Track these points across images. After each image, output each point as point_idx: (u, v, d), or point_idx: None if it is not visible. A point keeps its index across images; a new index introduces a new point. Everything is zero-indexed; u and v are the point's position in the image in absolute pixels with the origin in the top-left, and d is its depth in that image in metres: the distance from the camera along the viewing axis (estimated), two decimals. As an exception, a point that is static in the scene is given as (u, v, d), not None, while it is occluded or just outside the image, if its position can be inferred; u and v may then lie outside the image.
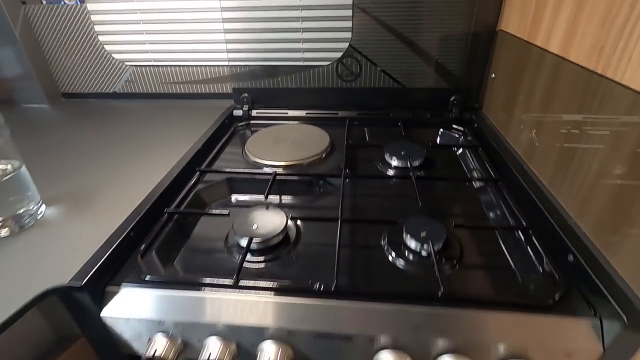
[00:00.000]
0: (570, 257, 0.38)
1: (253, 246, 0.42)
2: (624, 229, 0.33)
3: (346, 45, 0.73)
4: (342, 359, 0.36)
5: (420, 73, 0.73)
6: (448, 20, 0.68)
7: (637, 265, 0.32)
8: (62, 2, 0.75)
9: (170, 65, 0.80)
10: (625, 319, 0.31)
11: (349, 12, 0.70)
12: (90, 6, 0.75)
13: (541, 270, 0.39)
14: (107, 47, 0.80)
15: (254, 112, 0.77)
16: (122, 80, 0.83)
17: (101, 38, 0.79)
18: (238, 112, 0.76)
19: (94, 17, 0.76)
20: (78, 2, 0.74)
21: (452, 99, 0.72)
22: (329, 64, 0.74)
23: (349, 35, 0.72)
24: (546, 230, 0.42)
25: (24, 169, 0.43)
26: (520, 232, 0.44)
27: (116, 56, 0.80)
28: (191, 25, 0.74)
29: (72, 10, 0.76)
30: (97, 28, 0.77)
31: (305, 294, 0.37)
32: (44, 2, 0.75)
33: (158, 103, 0.83)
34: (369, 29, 0.70)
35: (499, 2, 0.65)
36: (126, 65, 0.81)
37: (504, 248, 0.44)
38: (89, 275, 0.36)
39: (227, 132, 0.72)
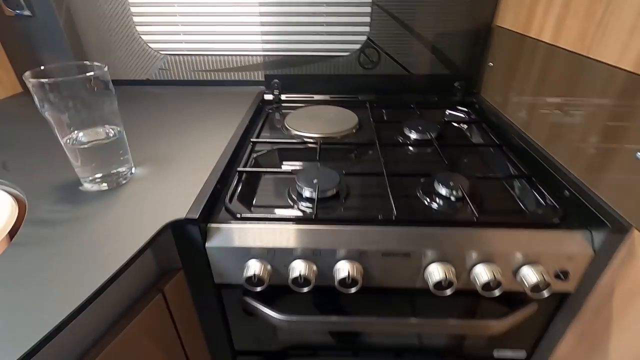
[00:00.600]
0: (566, 192, 0.50)
1: (318, 195, 0.52)
2: (602, 170, 0.46)
3: (365, 38, 0.83)
4: (400, 272, 0.47)
5: (428, 63, 0.85)
6: (452, 18, 0.80)
7: (612, 191, 0.44)
8: (104, -5, 0.81)
9: (203, 55, 0.88)
10: (610, 226, 0.43)
11: (368, 9, 0.81)
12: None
13: (544, 204, 0.51)
14: (143, 37, 0.86)
15: (283, 97, 0.86)
16: (155, 68, 0.90)
17: (139, 29, 0.85)
18: (269, 96, 0.85)
19: (133, 9, 0.83)
20: (120, -5, 0.81)
21: (456, 84, 0.85)
22: (350, 54, 0.84)
23: (367, 29, 0.83)
24: (545, 176, 0.54)
25: (123, 134, 0.51)
26: (525, 180, 0.55)
27: (152, 45, 0.87)
28: (227, 18, 0.82)
29: (113, 3, 0.82)
30: (135, 19, 0.84)
31: (372, 223, 0.47)
32: (86, -5, 0.81)
33: (190, 89, 0.90)
34: (385, 24, 0.81)
35: (494, 3, 0.77)
36: (161, 54, 0.88)
37: (513, 193, 0.56)
38: (200, 211, 0.44)
39: (261, 112, 0.81)
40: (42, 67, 0.44)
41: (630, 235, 0.42)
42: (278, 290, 0.51)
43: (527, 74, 0.64)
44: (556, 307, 0.51)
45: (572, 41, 0.53)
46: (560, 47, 0.55)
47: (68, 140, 0.46)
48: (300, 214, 0.50)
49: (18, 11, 0.79)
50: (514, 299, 0.50)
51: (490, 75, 0.80)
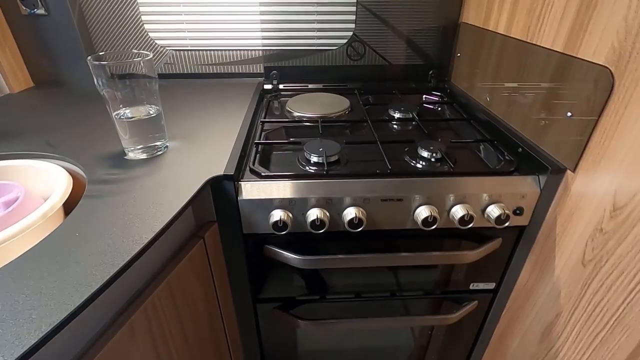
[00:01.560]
0: (520, 149, 0.64)
1: (325, 160, 0.63)
2: (544, 129, 0.60)
3: (351, 33, 0.96)
4: (396, 214, 0.59)
5: (406, 54, 0.98)
6: (425, 16, 0.94)
7: (552, 144, 0.58)
8: (114, -4, 0.89)
9: (206, 50, 0.97)
10: (549, 170, 0.56)
11: (353, 8, 0.93)
12: (140, -1, 0.90)
13: (503, 160, 0.64)
14: (151, 35, 0.95)
15: (281, 86, 0.97)
16: (161, 63, 0.99)
17: (146, 27, 0.94)
18: (268, 86, 0.96)
19: (142, 9, 0.91)
20: (130, -4, 0.89)
21: (430, 72, 0.98)
22: (338, 48, 0.96)
23: (353, 25, 0.95)
24: (504, 139, 0.68)
25: (161, 113, 0.60)
26: (489, 143, 0.69)
27: (159, 42, 0.96)
28: (229, 16, 0.92)
29: (123, 2, 0.90)
30: (144, 17, 0.93)
31: (371, 176, 0.58)
32: (96, -5, 0.89)
33: (194, 82, 0.99)
34: (368, 21, 0.94)
35: (459, 3, 0.92)
36: (167, 50, 0.97)
37: (478, 153, 0.69)
38: (234, 169, 0.55)
39: (262, 100, 0.91)
40: (101, 53, 0.52)
41: (565, 175, 0.56)
42: (295, 239, 0.62)
43: (487, 60, 0.78)
44: (516, 241, 0.65)
45: (520, 31, 0.67)
46: (512, 37, 0.69)
47: (117, 115, 0.55)
48: (312, 172, 0.61)
49: (34, 10, 0.86)
50: (483, 235, 0.63)
51: (458, 64, 0.95)
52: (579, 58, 0.53)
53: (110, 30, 0.93)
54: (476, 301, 0.73)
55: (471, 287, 0.71)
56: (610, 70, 0.47)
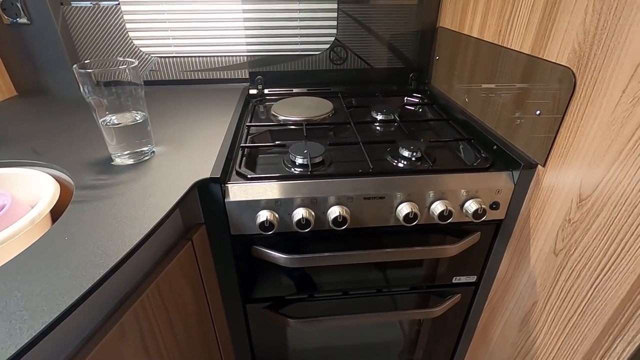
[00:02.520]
0: (495, 147, 0.67)
1: (309, 161, 0.65)
2: (517, 127, 0.63)
3: (333, 38, 0.98)
4: (378, 212, 0.61)
5: (387, 58, 1.01)
6: (404, 21, 0.97)
7: (523, 141, 0.61)
8: (97, 3, 0.90)
9: (191, 56, 0.99)
10: (522, 165, 0.60)
11: (335, 14, 0.96)
12: (124, 7, 0.91)
13: (480, 157, 0.67)
14: (135, 42, 0.96)
15: (266, 91, 0.98)
16: (146, 70, 1.00)
17: (131, 34, 0.95)
18: (253, 91, 0.98)
19: (126, 17, 0.92)
20: (113, 4, 0.90)
21: (410, 75, 1.01)
22: (321, 53, 0.99)
23: (334, 31, 0.97)
24: (480, 138, 0.71)
25: (147, 119, 0.61)
26: (466, 142, 0.72)
27: (143, 49, 0.97)
28: (213, 23, 0.94)
29: (106, 11, 0.91)
30: (128, 25, 0.93)
31: (354, 176, 0.61)
32: (79, 4, 0.90)
33: (180, 88, 1.00)
34: (350, 26, 0.97)
35: (436, 8, 0.95)
36: (151, 57, 0.98)
37: (457, 152, 0.72)
38: (220, 172, 0.56)
39: (248, 105, 0.93)
40: (87, 61, 0.54)
41: (536, 170, 0.59)
42: (282, 238, 0.63)
43: (464, 63, 0.82)
44: (494, 235, 0.68)
45: (492, 35, 0.71)
46: (485, 40, 0.73)
47: (104, 122, 0.56)
48: (297, 173, 0.63)
49: (16, 19, 0.86)
50: (462, 229, 0.66)
51: (437, 66, 0.98)
52: (544, 59, 0.56)
53: (94, 38, 0.94)
54: (459, 294, 0.76)
55: (454, 280, 0.74)
56: (572, 71, 0.51)
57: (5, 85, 0.92)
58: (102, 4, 0.90)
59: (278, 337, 0.80)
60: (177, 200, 0.50)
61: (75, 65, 0.52)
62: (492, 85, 0.71)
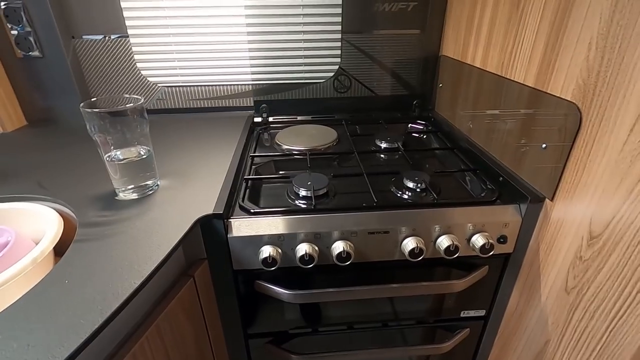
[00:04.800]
0: (501, 178, 0.66)
1: (314, 193, 0.64)
2: (522, 159, 0.62)
3: (337, 67, 1.00)
4: (382, 247, 0.60)
5: (390, 86, 1.02)
6: (407, 49, 0.98)
7: (530, 174, 0.60)
8: (107, 37, 0.92)
9: (196, 85, 1.00)
10: (529, 199, 0.58)
11: (339, 43, 0.97)
12: (132, 39, 0.93)
13: (486, 188, 0.66)
14: (143, 72, 0.98)
15: (270, 119, 0.99)
16: (153, 99, 1.01)
17: (139, 65, 0.97)
18: (258, 119, 0.99)
19: (135, 48, 0.95)
20: (123, 37, 0.93)
21: (414, 102, 1.02)
22: (325, 81, 1.00)
23: (339, 59, 0.99)
24: (485, 168, 0.70)
25: (152, 153, 0.61)
26: (471, 172, 0.71)
27: (151, 79, 0.99)
28: (219, 54, 0.96)
29: (115, 43, 0.93)
30: (136, 57, 0.96)
31: (358, 210, 0.60)
32: (90, 37, 0.92)
33: (186, 116, 1.02)
34: (353, 55, 0.98)
35: (439, 37, 0.97)
36: (158, 86, 1.00)
37: (462, 182, 0.71)
38: (223, 208, 0.56)
39: (252, 133, 0.93)
40: (93, 99, 0.54)
41: (544, 203, 0.58)
42: (285, 273, 0.62)
43: (466, 92, 0.82)
44: (502, 269, 0.66)
45: (494, 66, 0.71)
46: (487, 71, 0.73)
47: (109, 158, 0.57)
48: (301, 207, 0.62)
49: (29, 53, 0.89)
50: (470, 263, 0.64)
51: (441, 93, 0.98)
52: (549, 93, 0.56)
53: (103, 69, 0.96)
54: (468, 328, 0.73)
55: (462, 314, 0.72)
56: (577, 106, 0.50)
57: (16, 116, 0.94)
58: (112, 37, 0.92)
59: (281, 372, 0.78)
60: (178, 239, 0.49)
61: (82, 104, 0.52)
62: (497, 115, 0.71)
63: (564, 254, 0.54)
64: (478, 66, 0.77)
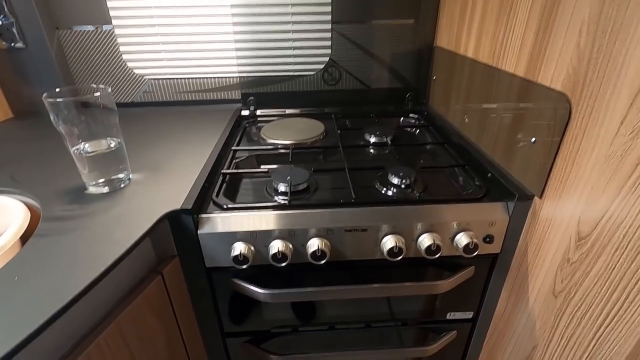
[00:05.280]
0: (489, 174, 0.62)
1: (291, 189, 0.62)
2: (512, 154, 0.59)
3: (327, 58, 0.96)
4: (361, 245, 0.57)
5: (383, 78, 0.98)
6: (400, 40, 0.95)
7: (519, 170, 0.57)
8: (91, 28, 0.91)
9: (184, 78, 0.98)
10: (517, 196, 0.55)
11: (329, 34, 0.94)
12: (118, 30, 0.91)
13: (473, 185, 0.63)
14: (129, 64, 0.96)
15: (258, 112, 0.97)
16: (140, 92, 0.99)
17: (124, 57, 0.95)
18: (245, 112, 0.96)
19: (120, 40, 0.93)
20: (107, 28, 0.91)
21: (407, 95, 0.98)
22: (315, 73, 0.97)
23: (329, 51, 0.96)
24: (475, 164, 0.67)
25: (123, 145, 0.59)
26: (460, 168, 0.68)
27: (137, 71, 0.97)
28: (205, 45, 0.93)
29: (101, 34, 0.91)
30: (122, 48, 0.94)
31: (335, 206, 0.57)
32: (74, 28, 0.90)
33: (173, 109, 0.99)
34: (344, 46, 0.95)
35: (433, 27, 0.93)
36: (145, 78, 0.98)
37: (451, 179, 0.68)
38: (193, 203, 0.54)
39: (239, 126, 0.91)
40: (57, 89, 0.52)
41: (532, 202, 0.54)
42: (262, 271, 0.60)
43: (460, 83, 0.78)
44: (490, 269, 0.63)
45: (486, 56, 0.67)
46: (480, 61, 0.69)
47: (76, 150, 0.55)
48: (276, 203, 0.59)
49: (12, 44, 0.87)
50: (455, 264, 0.61)
51: (435, 86, 0.95)
52: (538, 84, 0.53)
53: (88, 61, 0.95)
54: (455, 331, 0.70)
55: (448, 316, 0.68)
56: (567, 97, 0.47)
57: (1, 108, 0.93)
58: (96, 27, 0.90)
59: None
60: (138, 236, 0.47)
61: (44, 95, 0.50)
62: (488, 108, 0.67)
63: (552, 255, 0.50)
64: (471, 57, 0.73)
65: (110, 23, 0.90)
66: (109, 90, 0.54)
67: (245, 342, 0.69)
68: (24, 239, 0.51)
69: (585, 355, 0.45)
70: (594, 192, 0.43)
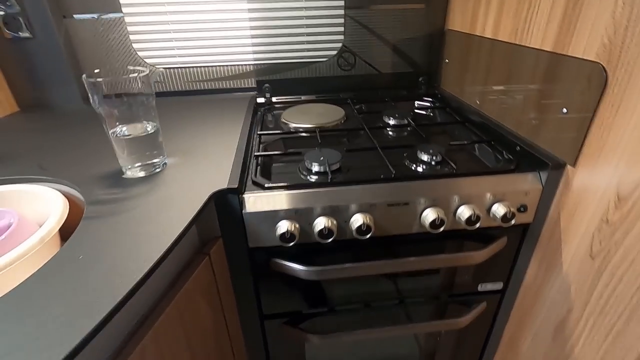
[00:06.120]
0: (518, 148, 0.64)
1: (330, 168, 0.62)
2: (540, 127, 0.61)
3: (340, 44, 0.97)
4: (402, 219, 0.58)
5: (396, 63, 1.00)
6: (411, 25, 0.96)
7: (549, 141, 0.59)
8: (100, 16, 0.88)
9: (196, 67, 0.97)
10: (550, 165, 0.57)
11: (342, 20, 0.94)
12: (127, 19, 0.89)
13: (502, 159, 0.65)
14: (139, 53, 0.94)
15: (274, 99, 0.96)
16: (151, 81, 0.97)
17: (135, 45, 0.93)
18: (261, 100, 0.96)
19: (130, 28, 0.91)
20: (117, 16, 0.88)
21: (420, 79, 1.00)
22: (328, 59, 0.97)
23: (342, 37, 0.96)
24: (500, 139, 0.69)
25: (159, 129, 0.58)
26: (486, 144, 0.70)
27: (148, 60, 0.95)
28: (219, 32, 0.92)
29: (110, 23, 0.89)
30: (132, 37, 0.92)
31: (377, 182, 0.58)
32: (82, 16, 0.88)
33: (186, 99, 0.98)
34: (357, 31, 0.96)
35: (444, 11, 0.94)
36: (156, 68, 0.96)
37: (477, 154, 0.70)
38: (237, 182, 0.54)
39: (256, 113, 0.91)
40: (96, 70, 0.51)
41: (565, 170, 0.57)
42: (300, 250, 0.60)
43: (477, 64, 0.80)
44: (521, 239, 0.65)
45: (507, 34, 0.69)
46: (500, 40, 0.71)
47: (114, 133, 0.54)
48: (316, 181, 0.60)
49: (18, 34, 0.84)
50: (488, 235, 0.63)
51: (447, 69, 0.97)
52: (569, 56, 0.55)
53: (97, 51, 0.92)
54: (485, 302, 0.72)
55: (479, 288, 0.71)
56: (603, 66, 0.49)
57: (7, 101, 0.90)
58: (106, 16, 0.88)
59: (295, 355, 0.76)
60: (195, 213, 0.47)
61: (84, 75, 0.49)
62: (511, 86, 0.69)
63: (589, 219, 0.53)
64: (489, 36, 0.75)
65: (120, 10, 0.88)
66: (147, 71, 0.54)
67: (283, 323, 0.69)
68: (62, 229, 0.50)
69: (628, 310, 0.48)
70: (634, 157, 0.45)
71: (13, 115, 0.89)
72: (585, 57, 0.52)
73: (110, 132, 0.54)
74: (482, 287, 0.71)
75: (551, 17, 0.58)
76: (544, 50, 0.60)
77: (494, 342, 0.80)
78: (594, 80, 0.50)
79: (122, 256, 0.40)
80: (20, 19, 0.83)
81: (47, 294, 0.35)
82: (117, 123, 0.54)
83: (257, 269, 0.62)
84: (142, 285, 0.37)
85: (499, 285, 0.71)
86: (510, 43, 0.68)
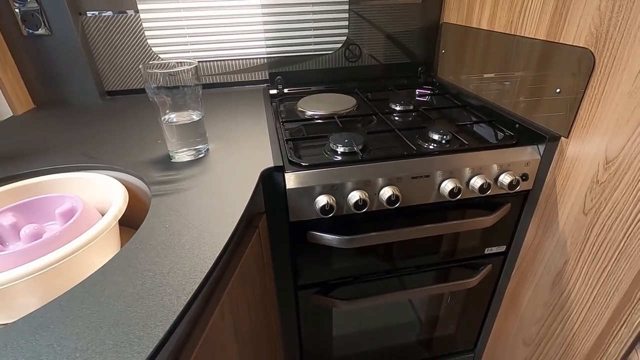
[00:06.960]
0: (517, 125, 0.74)
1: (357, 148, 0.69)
2: (536, 106, 0.70)
3: (344, 38, 1.04)
4: (424, 190, 0.66)
5: (396, 54, 1.08)
6: (410, 19, 1.04)
7: (545, 117, 0.69)
8: (115, 12, 0.91)
9: (209, 61, 1.01)
10: (547, 138, 0.67)
11: (346, 14, 1.01)
12: (143, 15, 0.92)
13: (504, 135, 0.74)
14: (154, 49, 0.97)
15: (285, 90, 1.02)
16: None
17: (149, 41, 0.96)
18: (273, 91, 1.01)
19: (145, 24, 0.94)
20: (132, 12, 0.91)
21: (419, 69, 1.08)
22: (335, 51, 1.04)
23: (346, 30, 1.03)
24: (501, 119, 0.78)
25: (203, 118, 0.63)
26: (487, 124, 0.79)
27: (162, 56, 0.98)
28: (231, 27, 0.97)
29: (125, 19, 0.92)
30: (147, 33, 0.95)
31: (401, 157, 0.66)
32: (98, 13, 0.90)
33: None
34: (360, 25, 1.03)
35: (439, 6, 1.03)
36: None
37: (481, 133, 0.79)
38: (281, 161, 0.60)
39: (271, 105, 0.96)
40: (151, 62, 0.56)
41: (560, 141, 0.66)
42: (335, 223, 0.67)
43: (473, 53, 0.89)
44: (522, 205, 0.75)
45: (503, 26, 0.78)
46: (495, 31, 0.80)
47: (164, 120, 0.59)
48: (348, 159, 0.67)
49: (37, 30, 0.86)
50: (493, 202, 0.72)
51: (443, 59, 1.05)
52: (561, 43, 0.64)
53: (113, 47, 0.95)
54: (490, 264, 0.82)
55: (486, 251, 0.80)
56: (591, 51, 0.58)
57: (24, 98, 0.91)
58: (121, 12, 0.91)
59: (324, 324, 0.83)
60: (253, 188, 0.53)
61: (141, 65, 0.54)
62: (507, 72, 0.78)
63: (581, 181, 0.63)
64: (485, 28, 0.84)
65: (136, 7, 0.91)
66: (197, 64, 0.59)
67: (314, 293, 0.76)
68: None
69: (617, 252, 0.58)
70: (619, 123, 0.55)
71: (30, 112, 0.91)
72: (575, 44, 0.61)
73: (162, 118, 0.58)
74: (488, 250, 0.80)
75: (544, 10, 0.67)
76: (537, 39, 0.69)
77: (497, 300, 0.90)
78: (584, 63, 0.60)
79: (203, 224, 0.45)
80: (39, 15, 0.85)
81: (151, 256, 0.40)
82: (168, 111, 0.59)
83: (296, 241, 0.68)
84: (230, 244, 0.43)
85: (502, 248, 0.80)
86: (506, 34, 0.77)
